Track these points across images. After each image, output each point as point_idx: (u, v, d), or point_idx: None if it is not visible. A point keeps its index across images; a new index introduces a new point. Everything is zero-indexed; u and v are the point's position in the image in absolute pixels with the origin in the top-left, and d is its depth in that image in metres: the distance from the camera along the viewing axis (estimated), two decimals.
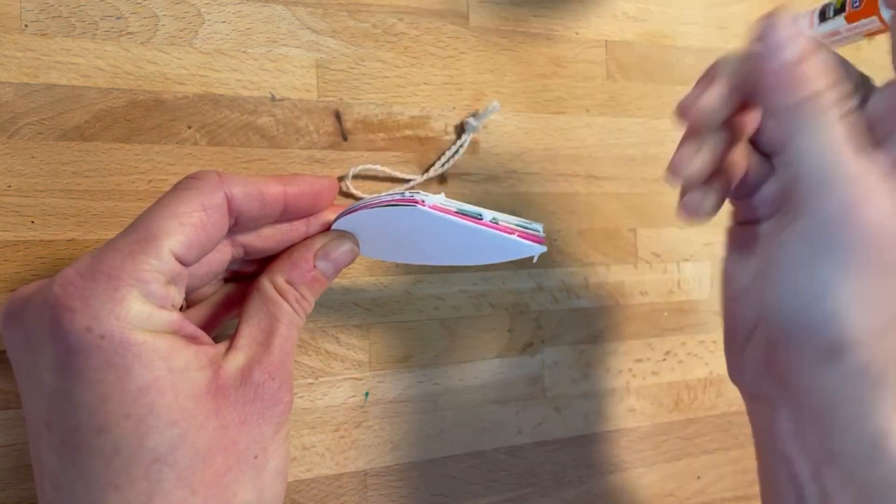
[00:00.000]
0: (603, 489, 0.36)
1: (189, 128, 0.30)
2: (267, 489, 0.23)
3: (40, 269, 0.27)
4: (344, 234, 0.26)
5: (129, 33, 0.29)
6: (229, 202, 0.23)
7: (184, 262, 0.22)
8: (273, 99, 0.31)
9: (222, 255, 0.25)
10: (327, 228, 0.27)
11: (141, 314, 0.21)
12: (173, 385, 0.21)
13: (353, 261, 0.27)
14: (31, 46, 0.28)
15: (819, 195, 0.23)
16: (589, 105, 0.37)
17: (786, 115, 0.23)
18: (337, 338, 0.32)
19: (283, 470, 0.24)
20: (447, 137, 0.34)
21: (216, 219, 0.23)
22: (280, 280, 0.25)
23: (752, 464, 0.40)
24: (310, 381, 0.31)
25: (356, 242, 0.27)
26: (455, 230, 0.25)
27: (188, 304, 0.27)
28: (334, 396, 0.32)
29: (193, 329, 0.23)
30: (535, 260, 0.27)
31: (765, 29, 0.23)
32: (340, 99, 0.32)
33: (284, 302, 0.25)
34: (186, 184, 0.23)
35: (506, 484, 0.34)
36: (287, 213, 0.25)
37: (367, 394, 0.32)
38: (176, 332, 0.22)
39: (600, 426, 0.37)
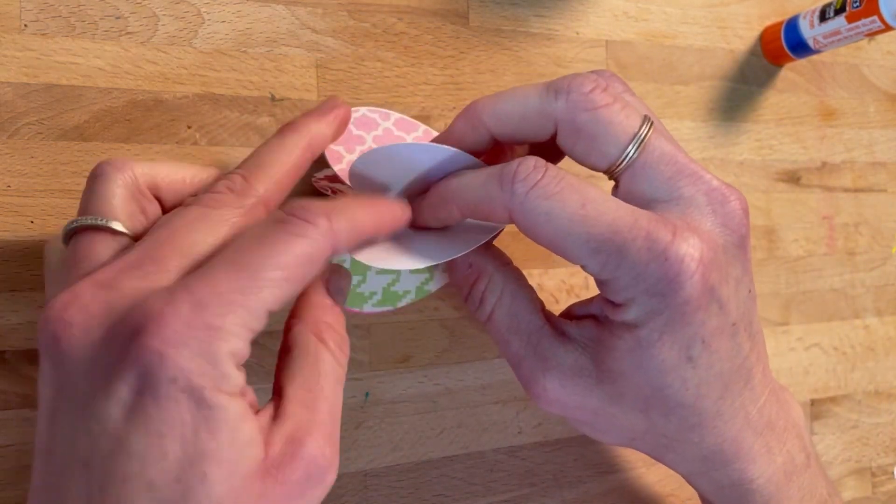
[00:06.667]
0: (603, 489, 0.36)
1: (189, 128, 0.30)
2: None
3: (40, 269, 0.27)
4: (331, 264, 0.26)
5: (128, 33, 0.29)
6: (336, 247, 0.22)
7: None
8: (273, 99, 0.31)
9: None
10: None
11: (224, 373, 0.19)
12: (230, 459, 0.19)
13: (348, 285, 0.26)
14: (30, 46, 0.28)
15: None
16: None
17: None
18: None
19: None
20: None
21: (317, 269, 0.21)
22: (320, 326, 0.23)
23: None
24: None
25: (347, 270, 0.26)
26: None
27: None
28: None
29: (253, 396, 0.21)
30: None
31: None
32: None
33: (325, 350, 0.23)
34: (299, 228, 0.21)
35: (506, 484, 0.34)
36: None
37: (367, 394, 0.32)
38: (242, 395, 0.20)
39: None
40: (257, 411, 0.21)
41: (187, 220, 0.22)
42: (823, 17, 0.38)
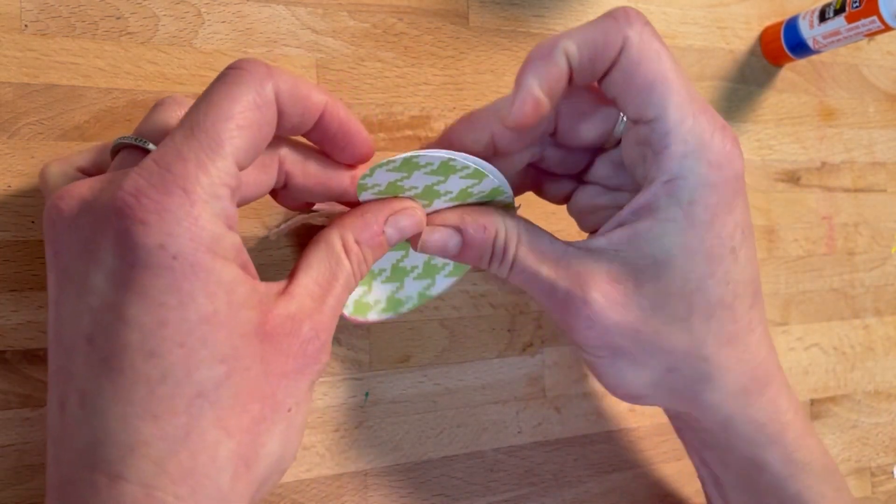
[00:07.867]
0: (603, 489, 0.36)
1: None
2: (291, 443, 0.22)
3: (40, 269, 0.27)
4: (416, 205, 0.26)
5: (129, 33, 0.29)
6: (276, 99, 0.22)
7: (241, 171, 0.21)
8: None
9: (269, 178, 0.24)
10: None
11: (214, 235, 0.19)
12: (229, 320, 0.20)
13: (415, 233, 0.26)
14: (31, 46, 0.28)
15: None
16: None
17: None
18: (337, 338, 0.32)
19: (304, 426, 0.23)
20: None
21: (269, 117, 0.21)
22: (350, 238, 0.24)
23: None
24: None
25: (424, 215, 0.26)
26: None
27: None
28: (334, 396, 0.32)
29: (247, 257, 0.21)
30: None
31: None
32: (340, 99, 0.32)
33: (347, 262, 0.24)
34: (234, 76, 0.21)
35: (506, 484, 0.34)
36: (318, 134, 0.24)
37: (367, 394, 0.32)
38: (236, 259, 0.20)
39: (600, 426, 0.37)
40: (257, 279, 0.22)
41: None
42: (823, 17, 0.38)
